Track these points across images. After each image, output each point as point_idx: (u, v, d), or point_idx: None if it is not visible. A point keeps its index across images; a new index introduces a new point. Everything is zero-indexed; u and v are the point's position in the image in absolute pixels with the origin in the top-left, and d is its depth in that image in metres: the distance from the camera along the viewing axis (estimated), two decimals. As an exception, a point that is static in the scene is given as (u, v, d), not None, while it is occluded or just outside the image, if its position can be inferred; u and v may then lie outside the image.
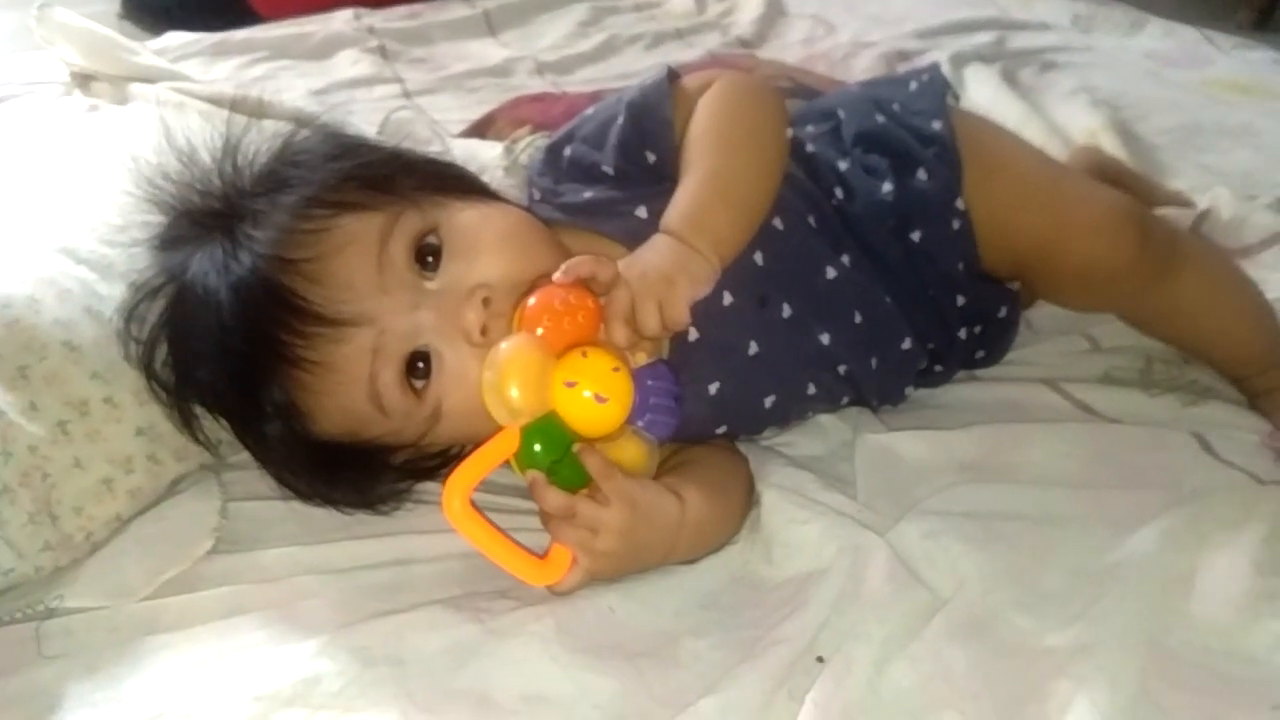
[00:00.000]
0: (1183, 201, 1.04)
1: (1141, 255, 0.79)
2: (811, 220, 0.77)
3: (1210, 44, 1.49)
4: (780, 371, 0.76)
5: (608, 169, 0.77)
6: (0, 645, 0.63)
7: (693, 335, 0.72)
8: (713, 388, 0.74)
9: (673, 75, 0.79)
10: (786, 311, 0.75)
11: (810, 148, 0.82)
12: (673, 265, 0.67)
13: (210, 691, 0.59)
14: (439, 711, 0.58)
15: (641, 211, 0.74)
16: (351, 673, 0.60)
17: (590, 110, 0.81)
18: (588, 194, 0.77)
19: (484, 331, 0.66)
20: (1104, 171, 1.03)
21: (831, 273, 0.76)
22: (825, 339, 0.76)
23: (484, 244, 0.69)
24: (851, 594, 0.64)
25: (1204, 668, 0.59)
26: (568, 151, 0.79)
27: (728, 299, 0.72)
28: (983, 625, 0.62)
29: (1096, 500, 0.70)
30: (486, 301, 0.66)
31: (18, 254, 0.75)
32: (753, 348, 0.74)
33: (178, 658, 0.62)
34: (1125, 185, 0.98)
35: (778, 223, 0.75)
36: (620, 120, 0.76)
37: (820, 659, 0.60)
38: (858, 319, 0.77)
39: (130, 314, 0.72)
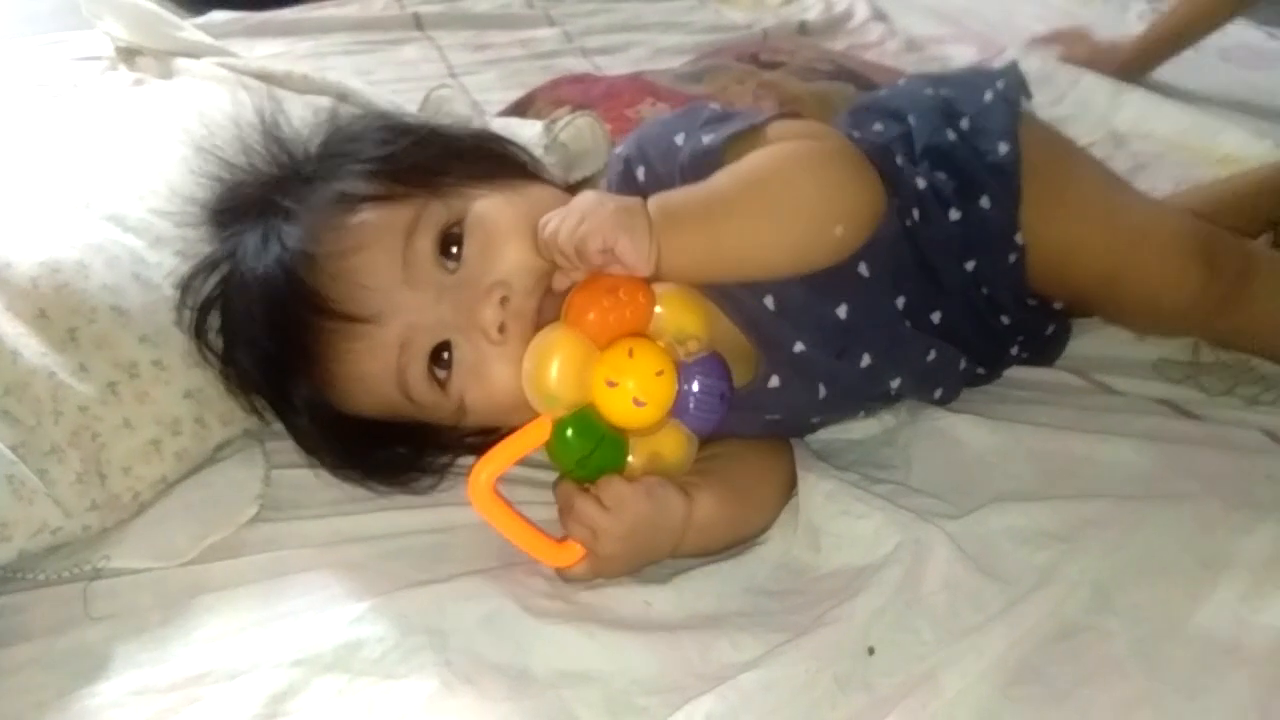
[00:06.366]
0: None
1: (1209, 286, 0.77)
2: (888, 252, 0.73)
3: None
4: (837, 404, 0.75)
5: None
6: (49, 605, 0.63)
7: (773, 382, 0.71)
8: (770, 416, 0.73)
9: (765, 122, 0.72)
10: (865, 361, 0.73)
11: (899, 159, 0.77)
12: (626, 212, 0.62)
13: (254, 654, 0.60)
14: (478, 682, 0.58)
15: None
16: (392, 640, 0.60)
17: (656, 129, 0.74)
18: None
19: (502, 329, 0.65)
20: None
21: (906, 319, 0.74)
22: (895, 384, 0.75)
23: (503, 234, 0.68)
24: (910, 587, 0.63)
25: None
26: (640, 174, 0.73)
27: (799, 346, 0.70)
28: (1055, 629, 0.61)
29: (1178, 502, 0.68)
30: (504, 300, 0.66)
31: (66, 221, 0.76)
32: (821, 391, 0.73)
33: (222, 621, 0.62)
34: None
35: (863, 269, 0.71)
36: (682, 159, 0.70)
37: (871, 650, 0.59)
38: (931, 356, 0.75)
39: (186, 285, 0.72)
